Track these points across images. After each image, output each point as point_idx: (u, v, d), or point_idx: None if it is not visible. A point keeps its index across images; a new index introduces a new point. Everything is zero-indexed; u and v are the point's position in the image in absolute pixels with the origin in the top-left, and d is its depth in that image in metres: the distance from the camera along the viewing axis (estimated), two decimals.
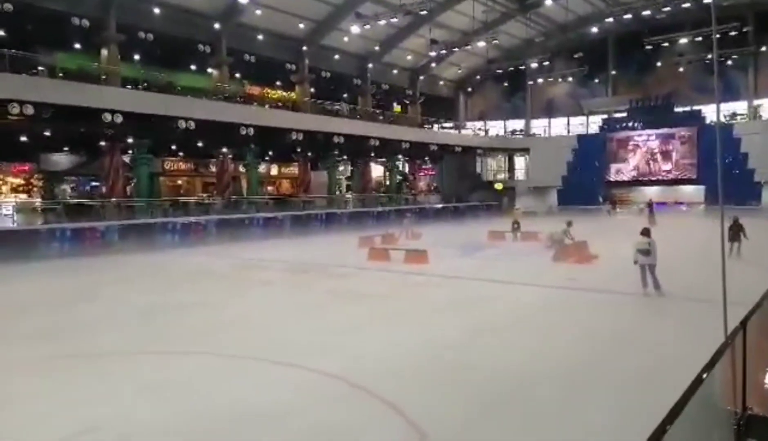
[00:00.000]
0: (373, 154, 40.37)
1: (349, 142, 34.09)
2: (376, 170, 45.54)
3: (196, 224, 24.85)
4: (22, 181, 32.33)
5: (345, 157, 42.09)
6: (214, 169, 35.13)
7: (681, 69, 40.44)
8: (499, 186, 48.08)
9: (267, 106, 33.58)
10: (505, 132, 49.90)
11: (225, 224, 25.91)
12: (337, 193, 41.11)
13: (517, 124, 49.80)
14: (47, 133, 25.78)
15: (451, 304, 11.22)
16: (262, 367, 7.39)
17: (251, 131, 28.35)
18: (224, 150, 31.80)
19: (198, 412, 5.86)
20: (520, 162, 49.43)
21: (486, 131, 49.80)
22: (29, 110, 20.44)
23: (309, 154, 36.75)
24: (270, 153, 38.97)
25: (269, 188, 42.28)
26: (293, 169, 41.60)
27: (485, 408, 5.94)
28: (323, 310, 10.85)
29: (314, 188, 37.84)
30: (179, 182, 38.52)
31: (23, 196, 30.97)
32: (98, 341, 8.73)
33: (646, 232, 11.46)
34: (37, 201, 29.24)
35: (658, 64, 41.78)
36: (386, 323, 9.76)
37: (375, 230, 24.45)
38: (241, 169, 35.86)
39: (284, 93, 37.48)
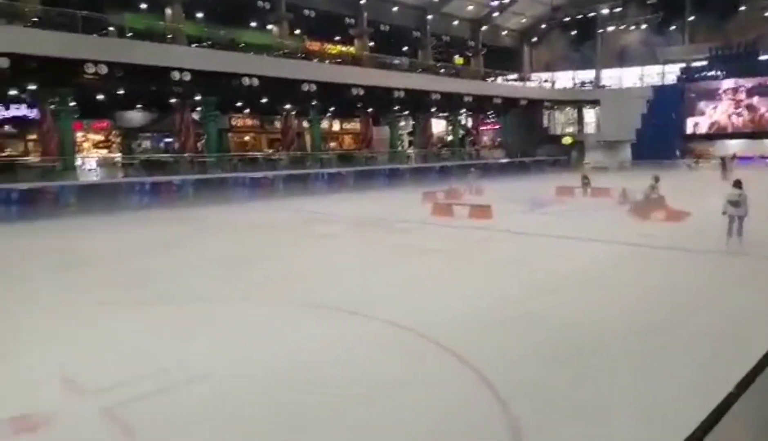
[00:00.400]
0: (434, 109, 39.76)
1: (409, 96, 33.69)
2: (438, 125, 44.93)
3: (264, 179, 25.56)
4: (102, 138, 34.09)
5: (406, 112, 41.70)
6: (278, 125, 35.75)
7: (766, 14, 37.12)
8: (567, 140, 46.39)
9: (327, 62, 33.54)
10: (574, 84, 47.74)
11: (291, 179, 26.51)
12: (400, 148, 40.97)
13: (587, 75, 47.48)
14: (121, 92, 26.91)
15: (516, 259, 11.12)
16: (333, 316, 7.65)
17: (313, 87, 28.49)
18: (288, 106, 32.20)
19: (272, 358, 6.15)
20: (589, 115, 47.37)
21: (553, 83, 47.80)
22: (103, 70, 21.32)
23: (370, 109, 36.65)
24: (332, 109, 39.14)
25: (332, 144, 42.68)
26: (355, 125, 41.71)
27: (556, 362, 5.94)
28: (388, 264, 11.04)
29: (376, 144, 37.88)
30: (246, 138, 39.49)
31: (103, 152, 32.73)
32: (181, 288, 9.28)
33: (737, 184, 11.08)
34: (117, 156, 30.83)
35: (741, 8, 38.46)
36: (451, 278, 9.82)
37: (438, 186, 24.33)
38: (305, 125, 36.30)
39: (343, 48, 37.24)
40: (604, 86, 46.56)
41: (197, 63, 24.20)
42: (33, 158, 26.81)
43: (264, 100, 32.60)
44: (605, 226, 15.10)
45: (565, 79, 48.20)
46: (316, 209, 20.05)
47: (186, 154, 26.91)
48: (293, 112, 32.99)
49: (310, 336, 6.80)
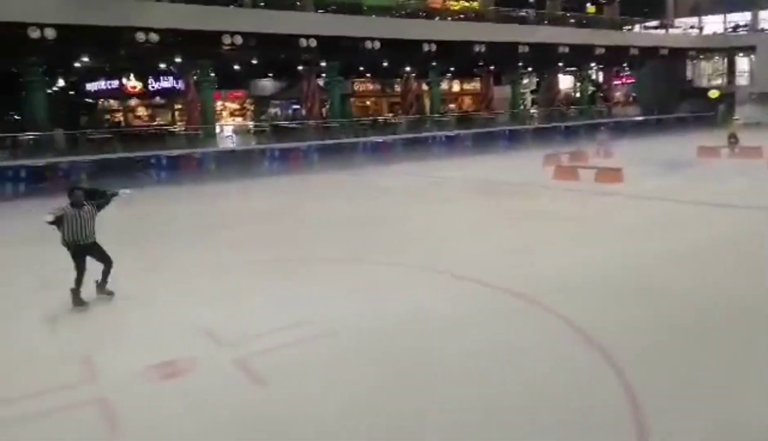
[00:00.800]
0: (561, 64, 37.49)
1: (535, 51, 31.98)
2: (565, 82, 42.43)
3: (383, 143, 26.02)
4: (237, 106, 36.60)
5: (530, 68, 39.76)
6: (398, 88, 35.93)
7: None
8: (714, 93, 41.56)
9: (449, 19, 32.74)
10: (725, 28, 42.37)
11: (410, 143, 26.71)
12: (522, 108, 39.42)
13: (741, 17, 41.82)
14: (254, 61, 28.53)
15: (646, 226, 10.43)
16: (451, 280, 7.78)
17: (433, 47, 28.11)
18: (407, 69, 32.17)
19: (390, 316, 6.46)
20: (742, 64, 41.95)
21: (700, 29, 42.77)
22: (238, 40, 22.72)
23: (491, 67, 35.46)
24: (452, 69, 38.43)
25: (451, 106, 42.12)
26: (475, 85, 40.69)
27: (675, 334, 5.61)
28: (506, 228, 10.88)
29: (497, 104, 36.74)
30: (368, 103, 40.26)
31: (239, 120, 35.19)
32: (310, 249, 9.91)
33: None
34: (251, 124, 33.01)
35: None
36: (573, 244, 9.47)
37: (562, 147, 23.19)
38: (424, 87, 36.13)
39: (466, 3, 36.10)
40: (762, 30, 40.81)
41: (323, 28, 24.88)
42: (179, 127, 29.55)
43: (385, 64, 32.85)
44: (751, 191, 13.58)
45: (714, 24, 42.88)
46: (434, 173, 20.10)
47: (311, 121, 28.10)
48: (413, 75, 32.92)
49: (428, 298, 7.01)
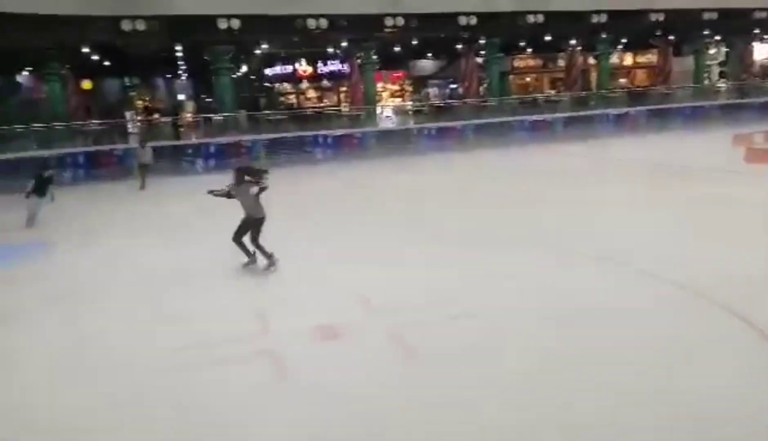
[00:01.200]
0: (758, 30, 32.51)
1: (724, 16, 28.14)
2: (761, 50, 36.79)
3: (543, 122, 24.98)
4: (397, 87, 37.54)
5: (717, 37, 35.04)
6: (562, 63, 34.03)
7: None
8: None
9: None
10: None
11: (573, 121, 25.29)
12: (706, 82, 35.06)
13: None
14: (414, 42, 28.94)
15: None
16: (608, 267, 7.35)
17: (603, 18, 26.10)
18: (572, 42, 30.31)
19: (544, 303, 6.31)
20: None
21: None
22: (400, 21, 23.23)
23: (670, 37, 31.93)
24: (623, 41, 35.32)
25: (621, 81, 38.85)
26: (650, 57, 37.00)
27: None
28: (683, 217, 9.86)
29: (676, 78, 33.08)
30: (527, 79, 38.77)
31: (398, 100, 36.11)
32: (463, 229, 9.94)
33: None
34: (409, 104, 33.71)
35: None
36: (763, 236, 8.33)
37: (755, 126, 20.28)
38: (591, 61, 33.75)
39: None
40: None
41: (484, 5, 24.41)
42: (344, 108, 31.16)
43: (548, 38, 31.26)
44: None
45: None
46: (600, 154, 18.87)
47: (468, 100, 27.85)
48: (578, 48, 30.93)
49: (586, 287, 6.71)
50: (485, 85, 30.50)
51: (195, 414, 4.46)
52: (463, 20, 23.96)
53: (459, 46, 29.08)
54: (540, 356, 5.07)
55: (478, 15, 24.09)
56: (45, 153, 18.29)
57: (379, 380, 4.83)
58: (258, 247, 7.85)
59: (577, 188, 13.32)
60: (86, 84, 29.75)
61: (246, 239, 7.91)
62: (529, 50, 36.25)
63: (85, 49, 23.50)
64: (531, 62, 37.95)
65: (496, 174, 16.24)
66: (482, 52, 29.03)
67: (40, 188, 11.26)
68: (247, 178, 7.86)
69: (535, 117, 25.33)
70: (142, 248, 9.52)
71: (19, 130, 20.35)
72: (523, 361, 5.00)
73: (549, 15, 25.06)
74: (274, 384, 4.88)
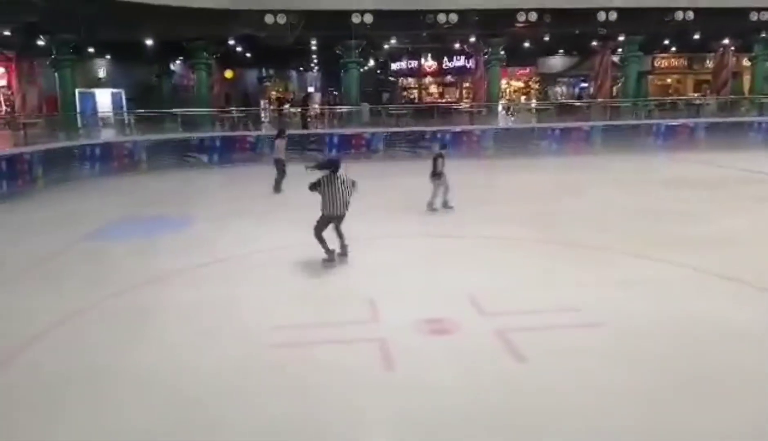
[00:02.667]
0: None
1: None
2: None
3: (682, 127, 23.00)
4: (522, 84, 36.53)
5: None
6: (710, 64, 31.11)
7: None
8: None
9: None
10: None
11: (717, 128, 23.01)
12: None
13: None
14: (546, 38, 27.93)
15: None
16: (745, 289, 6.71)
17: (766, 15, 23.40)
18: (725, 41, 27.55)
19: (667, 317, 5.92)
20: None
21: None
22: (533, 17, 22.50)
23: None
24: None
25: None
26: None
27: None
28: None
29: None
30: (668, 81, 35.94)
31: (522, 98, 35.14)
32: (580, 234, 9.52)
33: None
34: (533, 102, 32.68)
35: None
36: None
37: None
38: (745, 63, 30.45)
39: None
40: None
41: (627, 0, 22.96)
42: (464, 104, 30.90)
43: (696, 36, 28.69)
44: None
45: None
46: (747, 166, 17.00)
47: (599, 100, 26.37)
48: (731, 48, 28.07)
49: (717, 306, 6.20)
50: (619, 85, 28.70)
51: (301, 390, 4.71)
52: (602, 16, 22.68)
53: (594, 43, 27.61)
54: (658, 373, 4.76)
55: (620, 10, 22.68)
56: (188, 135, 20.12)
57: (485, 379, 4.80)
58: (319, 239, 7.85)
59: (717, 202, 12.16)
60: (228, 73, 32.18)
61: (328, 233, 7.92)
62: (673, 49, 33.56)
63: (231, 41, 25.44)
64: (674, 62, 35.11)
65: (625, 179, 15.25)
66: (619, 50, 27.36)
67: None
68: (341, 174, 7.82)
69: (674, 121, 23.38)
70: (271, 229, 10.16)
71: (168, 114, 22.54)
72: (637, 375, 4.75)
73: (700, 12, 22.97)
74: (381, 371, 5.01)
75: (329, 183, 7.72)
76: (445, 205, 11.41)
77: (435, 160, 11.18)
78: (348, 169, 8.33)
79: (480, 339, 5.53)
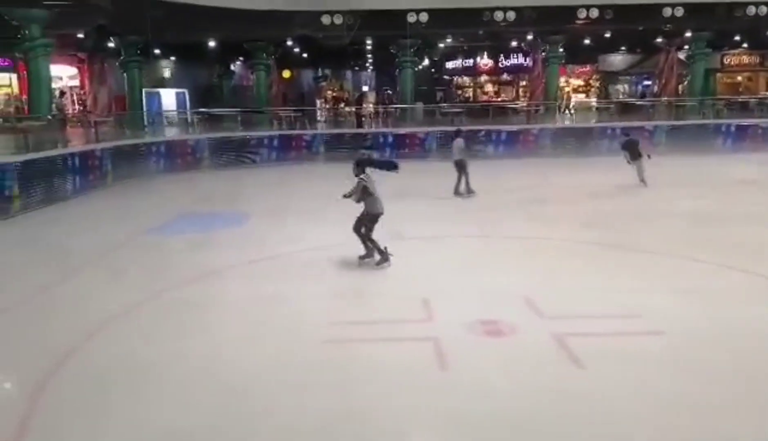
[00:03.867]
0: None
1: None
2: None
3: (752, 126, 21.76)
4: (581, 82, 35.52)
5: None
6: None
7: None
8: None
9: None
10: None
11: None
12: None
13: None
14: (607, 35, 27.07)
15: None
16: None
17: None
18: None
19: (731, 327, 5.66)
20: None
21: None
22: (594, 13, 21.85)
23: None
24: None
25: None
26: None
27: None
28: None
29: None
30: (738, 79, 34.09)
31: (581, 96, 34.17)
32: (638, 238, 9.19)
33: None
34: (593, 100, 31.73)
35: None
36: None
37: None
38: None
39: None
40: None
41: None
42: (521, 102, 30.34)
43: None
44: None
45: None
46: None
47: (663, 98, 25.33)
48: None
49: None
50: (685, 83, 27.49)
51: (351, 387, 4.75)
52: (667, 11, 21.77)
53: (659, 40, 26.55)
54: (718, 383, 4.56)
55: (686, 5, 21.70)
56: (247, 134, 20.66)
57: (540, 384, 4.69)
58: (370, 241, 7.75)
59: None
60: (286, 73, 32.84)
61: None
62: (744, 45, 31.82)
63: (289, 42, 25.96)
64: (745, 59, 33.25)
65: (690, 181, 14.57)
66: (686, 47, 26.21)
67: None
68: (368, 170, 7.70)
69: (745, 121, 22.14)
70: (322, 227, 10.30)
71: (229, 113, 23.25)
72: (697, 384, 4.56)
73: None
74: (434, 371, 4.98)
75: (370, 181, 7.65)
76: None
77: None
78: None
79: (536, 342, 5.42)
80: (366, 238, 7.78)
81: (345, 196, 7.78)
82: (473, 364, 5.05)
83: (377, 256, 7.81)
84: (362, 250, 7.90)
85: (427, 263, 8.03)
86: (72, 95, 26.87)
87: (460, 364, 5.05)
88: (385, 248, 7.79)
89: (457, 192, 12.95)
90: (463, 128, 15.35)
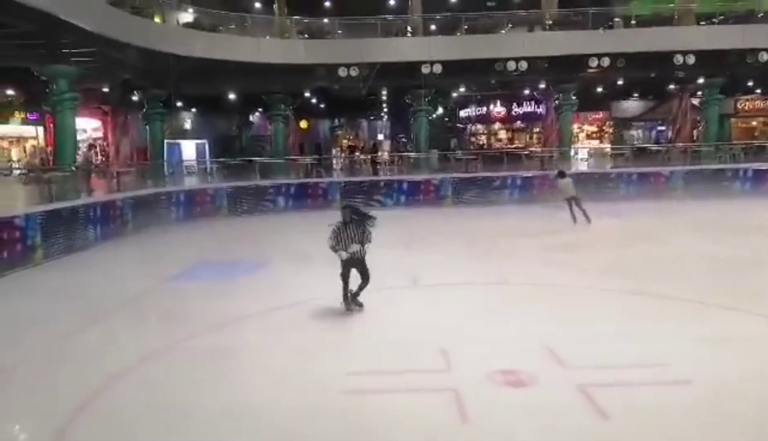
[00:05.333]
0: None
1: None
2: None
3: None
4: (595, 129, 35.79)
5: None
6: None
7: None
8: None
9: None
10: None
11: None
12: None
13: None
14: (619, 82, 27.43)
15: None
16: None
17: None
18: None
19: (760, 375, 5.50)
20: None
21: None
22: (605, 62, 22.24)
23: None
24: None
25: None
26: None
27: None
28: None
29: None
30: (753, 124, 34.12)
31: (595, 143, 34.36)
32: (659, 285, 8.96)
33: None
34: (607, 146, 31.86)
35: None
36: None
37: None
38: None
39: None
40: None
41: (704, 42, 22.29)
42: (536, 148, 30.54)
43: None
44: None
45: None
46: None
47: (678, 144, 25.35)
48: None
49: None
50: (700, 129, 27.54)
51: (373, 438, 4.64)
52: (679, 59, 22.09)
53: (671, 86, 26.79)
54: (749, 437, 4.37)
55: (698, 53, 22.01)
56: (265, 183, 20.99)
57: (564, 436, 4.58)
58: (344, 285, 7.84)
59: None
60: (303, 123, 33.58)
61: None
62: (758, 91, 32.01)
63: (306, 94, 26.68)
64: (759, 104, 33.39)
65: (710, 226, 14.41)
66: (699, 93, 26.41)
67: None
68: (354, 217, 7.81)
69: (763, 165, 22.01)
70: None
71: (247, 162, 23.71)
72: (726, 437, 4.40)
73: None
74: (455, 423, 4.86)
75: (344, 228, 7.80)
76: None
77: None
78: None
79: (559, 393, 5.29)
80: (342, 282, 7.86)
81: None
82: (496, 416, 4.93)
83: (342, 301, 7.89)
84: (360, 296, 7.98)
85: (444, 311, 7.96)
86: (96, 147, 27.67)
87: (482, 416, 4.94)
88: (353, 298, 7.85)
89: (575, 219, 14.95)
90: (566, 171, 16.92)
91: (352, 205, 8.31)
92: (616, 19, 24.38)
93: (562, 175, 15.72)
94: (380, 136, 41.64)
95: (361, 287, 7.86)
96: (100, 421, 5.09)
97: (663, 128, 33.23)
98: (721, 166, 22.24)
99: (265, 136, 32.46)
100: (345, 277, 7.81)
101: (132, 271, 11.26)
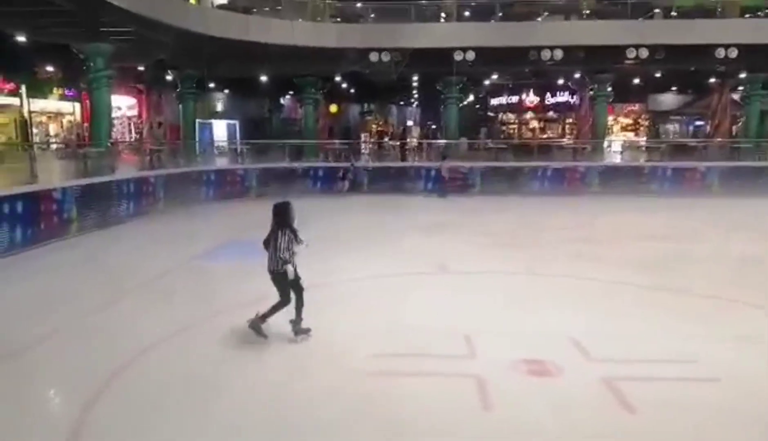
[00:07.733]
0: None
1: None
2: None
3: None
4: (630, 121, 35.02)
5: None
6: None
7: None
8: None
9: None
10: None
11: None
12: None
13: None
14: (657, 74, 26.72)
15: None
16: None
17: None
18: None
19: None
20: None
21: None
22: (644, 54, 21.66)
23: None
24: None
25: None
26: None
27: None
28: None
29: None
30: None
31: (630, 135, 33.63)
32: (691, 281, 8.81)
33: None
34: (642, 140, 31.16)
35: None
36: None
37: None
38: None
39: None
40: None
41: (749, 36, 21.53)
42: (567, 140, 30.06)
43: None
44: None
45: None
46: None
47: (716, 139, 24.64)
48: None
49: None
50: (740, 124, 26.71)
51: (393, 421, 4.68)
52: (721, 52, 21.38)
53: (711, 80, 25.99)
54: None
55: (741, 46, 21.27)
56: (294, 165, 21.14)
57: (590, 428, 4.53)
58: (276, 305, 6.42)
59: None
60: (333, 108, 33.63)
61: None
62: None
63: (337, 78, 26.67)
64: None
65: (746, 224, 14.01)
66: (740, 88, 25.57)
67: None
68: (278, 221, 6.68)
69: None
70: (367, 259, 10.35)
71: (277, 144, 23.92)
72: (753, 436, 4.32)
73: None
74: (477, 410, 4.86)
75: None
76: None
77: None
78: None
79: (584, 385, 5.24)
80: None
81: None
82: (518, 405, 4.92)
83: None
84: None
85: (469, 299, 7.93)
86: (130, 124, 28.21)
87: (505, 404, 4.92)
88: (261, 318, 6.40)
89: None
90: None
91: (280, 205, 6.91)
92: (656, 10, 23.70)
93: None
94: (409, 123, 41.45)
95: (275, 308, 6.42)
96: (128, 394, 5.21)
97: (701, 123, 32.33)
98: (761, 163, 21.57)
99: (295, 119, 32.63)
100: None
101: (163, 248, 11.49)
